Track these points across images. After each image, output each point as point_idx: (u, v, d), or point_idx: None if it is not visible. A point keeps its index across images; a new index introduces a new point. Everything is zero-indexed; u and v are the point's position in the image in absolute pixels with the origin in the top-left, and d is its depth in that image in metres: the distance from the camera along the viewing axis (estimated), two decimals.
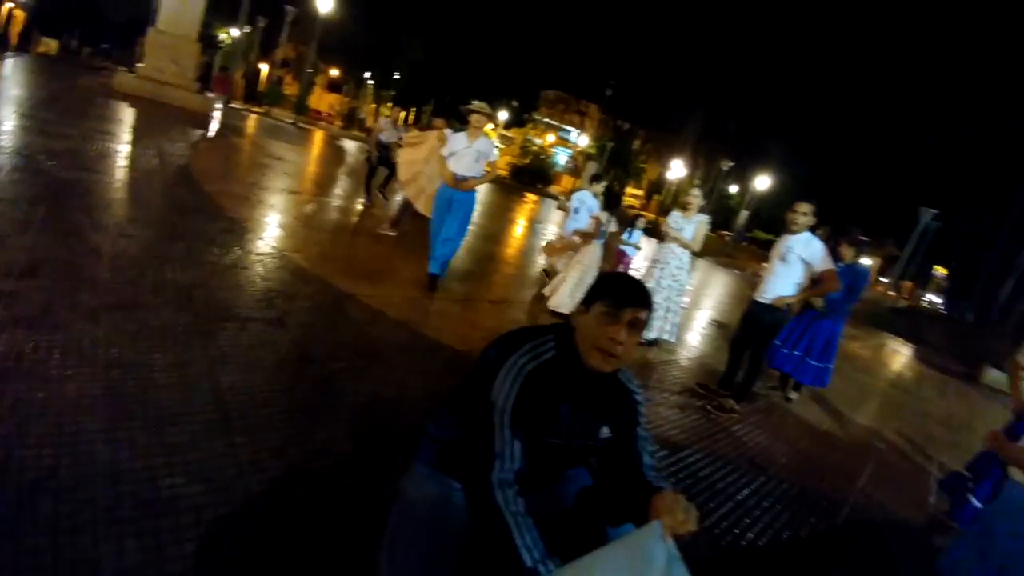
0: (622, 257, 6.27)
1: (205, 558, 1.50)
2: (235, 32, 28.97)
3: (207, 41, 24.53)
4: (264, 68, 34.42)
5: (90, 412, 1.90)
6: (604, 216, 5.20)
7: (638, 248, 6.28)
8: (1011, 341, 17.47)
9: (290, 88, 34.30)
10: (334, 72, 39.83)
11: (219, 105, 15.05)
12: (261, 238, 4.64)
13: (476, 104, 4.60)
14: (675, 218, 5.06)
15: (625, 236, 6.27)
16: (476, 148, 4.63)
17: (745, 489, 2.95)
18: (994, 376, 10.71)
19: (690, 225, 4.95)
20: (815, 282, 3.93)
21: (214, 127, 12.19)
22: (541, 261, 7.06)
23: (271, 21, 27.78)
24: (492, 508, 1.20)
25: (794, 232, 3.85)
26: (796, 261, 3.79)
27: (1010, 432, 2.87)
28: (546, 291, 5.31)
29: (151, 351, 2.39)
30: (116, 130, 7.87)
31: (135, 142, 7.14)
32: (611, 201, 5.26)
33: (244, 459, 1.92)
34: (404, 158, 5.90)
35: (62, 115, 7.35)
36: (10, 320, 2.30)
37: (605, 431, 1.41)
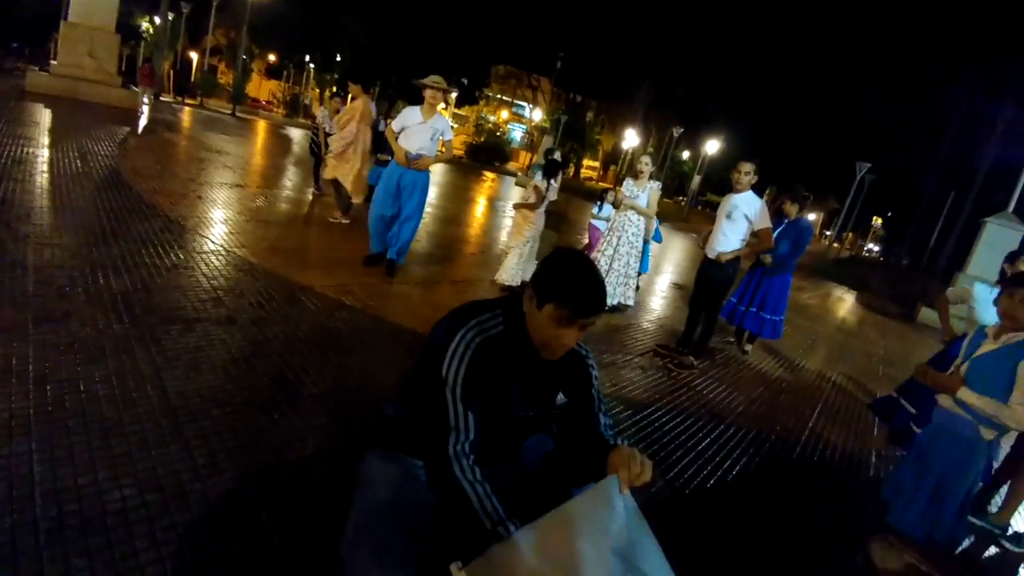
0: (594, 232, 6.29)
1: (165, 569, 1.46)
2: (158, 20, 27.08)
3: (127, 32, 22.85)
4: (194, 57, 32.49)
5: (22, 432, 1.79)
6: (544, 184, 5.17)
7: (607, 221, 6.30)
8: (940, 281, 18.79)
9: (225, 77, 32.59)
10: (271, 57, 37.94)
11: (146, 99, 14.17)
12: (203, 236, 4.43)
13: (431, 79, 4.30)
14: (628, 186, 5.12)
15: (595, 210, 6.31)
16: (432, 125, 4.35)
17: (706, 439, 3.08)
18: (927, 314, 11.49)
19: (643, 193, 5.02)
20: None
21: (143, 123, 11.47)
22: (504, 238, 7.04)
23: (196, 5, 26.11)
24: (450, 480, 1.21)
25: (738, 191, 3.99)
26: (740, 218, 3.94)
27: (938, 362, 3.09)
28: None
29: (87, 362, 2.27)
30: (31, 134, 7.29)
31: (53, 145, 6.64)
32: (551, 169, 5.25)
33: (200, 463, 1.86)
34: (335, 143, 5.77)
35: None
36: None
37: (560, 398, 1.43)
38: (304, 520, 1.74)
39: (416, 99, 4.62)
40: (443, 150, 4.61)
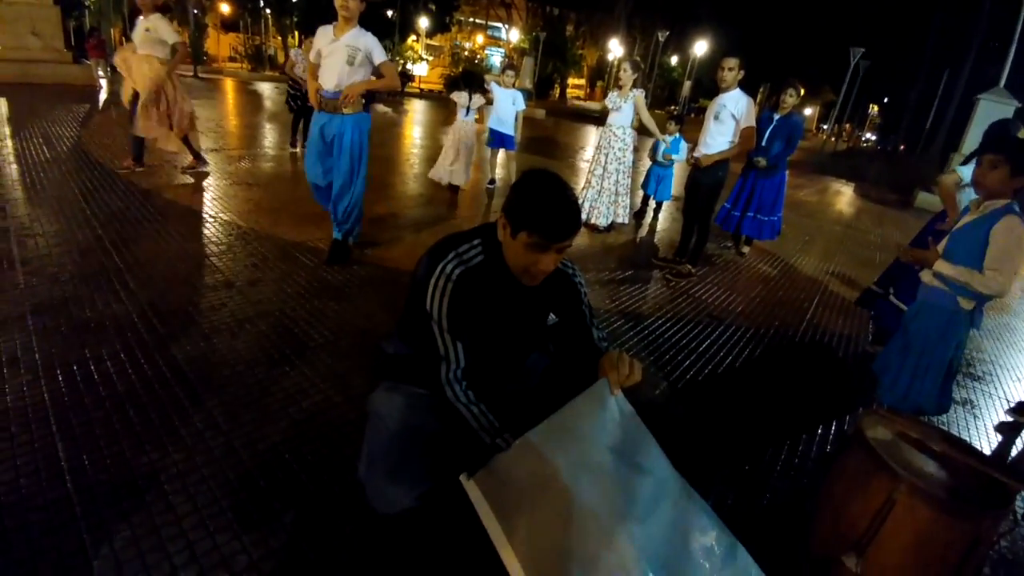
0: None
1: (201, 519, 1.55)
2: None
3: (67, 2, 21.28)
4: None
5: (40, 418, 1.85)
6: (462, 97, 5.90)
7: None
8: (937, 163, 18.45)
9: (181, 37, 30.70)
10: (224, 8, 35.53)
11: (102, 72, 13.46)
12: (186, 205, 4.36)
13: None
14: (612, 99, 4.92)
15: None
16: (345, 43, 3.10)
17: (706, 341, 3.17)
18: (925, 198, 11.38)
19: (626, 103, 4.82)
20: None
21: (103, 97, 10.98)
22: (500, 172, 6.90)
23: None
24: (447, 405, 1.27)
25: (725, 90, 3.84)
26: (728, 118, 3.82)
27: (920, 242, 3.08)
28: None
29: (92, 343, 2.31)
30: None
31: (15, 135, 6.39)
32: (468, 80, 6.11)
33: (220, 419, 1.94)
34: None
35: None
36: None
37: (551, 317, 1.46)
38: (326, 456, 1.83)
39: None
40: (376, 80, 3.34)
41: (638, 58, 9.38)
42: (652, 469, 1.13)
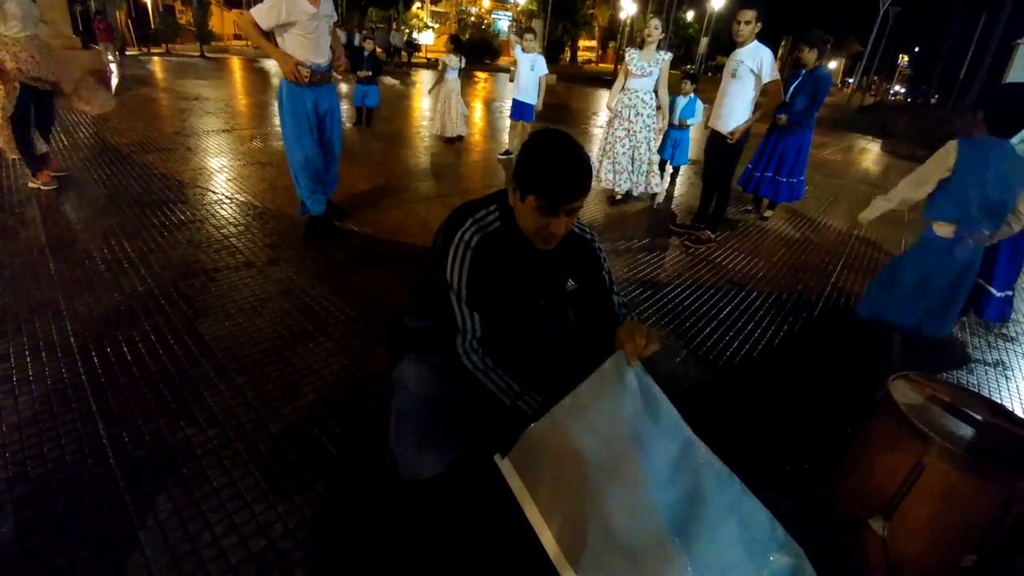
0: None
1: (237, 490, 1.61)
2: None
3: None
4: (148, 1, 30.23)
5: (80, 398, 1.93)
6: (453, 60, 6.77)
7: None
8: (972, 114, 17.58)
9: (184, 16, 30.42)
10: None
11: (111, 56, 13.46)
12: (203, 187, 4.40)
13: None
14: (635, 60, 4.44)
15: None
16: (325, 14, 3.08)
17: (727, 307, 3.13)
18: None
19: (655, 67, 4.40)
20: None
21: (114, 82, 11.00)
22: (506, 141, 6.79)
23: None
24: (466, 374, 1.28)
25: (741, 44, 3.67)
26: (747, 74, 3.66)
27: None
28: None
29: (123, 326, 2.37)
30: None
31: None
32: (455, 44, 6.91)
33: (249, 396, 2.00)
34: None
35: None
36: None
37: (570, 283, 1.44)
38: (353, 429, 1.88)
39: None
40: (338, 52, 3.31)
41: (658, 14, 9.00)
42: (674, 436, 1.14)
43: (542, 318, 1.51)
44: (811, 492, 1.81)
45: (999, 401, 1.72)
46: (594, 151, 6.33)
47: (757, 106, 3.78)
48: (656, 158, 4.91)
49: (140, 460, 1.68)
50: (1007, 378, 2.80)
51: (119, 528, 1.46)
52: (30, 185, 4.06)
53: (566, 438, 1.13)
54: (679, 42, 38.68)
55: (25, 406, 1.86)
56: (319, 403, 2.00)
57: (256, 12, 2.87)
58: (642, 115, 4.59)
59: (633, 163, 4.75)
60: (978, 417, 1.44)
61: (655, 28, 4.31)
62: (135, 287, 2.71)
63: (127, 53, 19.45)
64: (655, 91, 4.58)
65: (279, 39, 3.03)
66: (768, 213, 5.14)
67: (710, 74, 34.95)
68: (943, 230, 2.23)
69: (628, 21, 32.76)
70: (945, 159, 2.17)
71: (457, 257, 1.25)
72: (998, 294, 3.03)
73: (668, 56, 4.45)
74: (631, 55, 4.52)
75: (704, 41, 28.13)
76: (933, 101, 30.55)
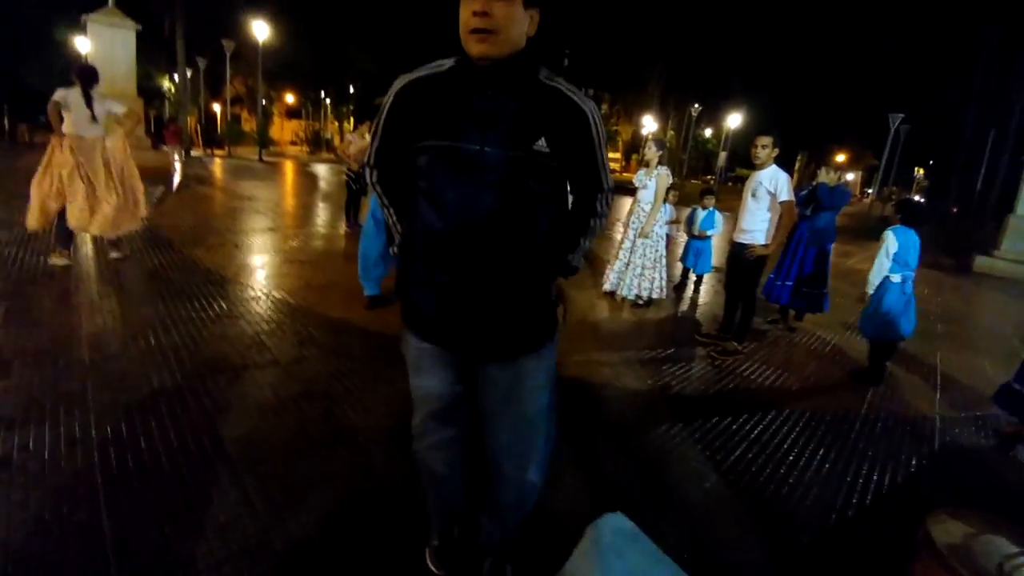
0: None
1: None
2: (177, 78, 28.53)
3: (149, 92, 24.02)
4: (217, 109, 34.01)
5: (91, 497, 1.90)
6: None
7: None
8: (992, 223, 17.63)
9: (248, 123, 33.97)
10: (289, 98, 39.39)
11: (177, 157, 14.91)
12: (242, 283, 4.62)
13: None
14: (640, 177, 5.04)
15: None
16: None
17: (758, 426, 2.98)
18: (983, 262, 10.81)
19: (652, 181, 4.92)
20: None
21: (176, 180, 12.10)
22: None
23: (212, 59, 27.35)
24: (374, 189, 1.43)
25: (760, 167, 3.89)
26: (764, 196, 3.84)
27: None
28: None
29: (145, 421, 2.39)
30: None
31: None
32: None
33: (257, 504, 1.94)
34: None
35: (8, 200, 7.15)
36: None
37: (541, 143, 1.19)
38: (358, 552, 1.77)
39: None
40: None
41: (662, 137, 9.69)
42: None
43: (496, 176, 1.20)
44: None
45: None
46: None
47: (775, 230, 3.86)
48: (652, 264, 5.06)
49: (140, 571, 1.61)
50: None
51: None
52: (51, 261, 4.42)
53: None
54: (699, 155, 40.96)
55: (37, 501, 1.84)
56: (327, 520, 1.91)
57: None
58: (640, 222, 5.00)
59: (627, 267, 5.05)
60: None
61: (649, 149, 4.97)
62: (163, 381, 2.77)
63: (192, 154, 21.47)
64: (671, 202, 5.10)
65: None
66: (796, 324, 5.07)
67: (730, 184, 36.45)
68: (896, 277, 3.67)
69: (648, 136, 35.15)
70: (893, 242, 3.66)
71: (392, 89, 1.27)
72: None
73: (664, 171, 4.94)
74: (639, 174, 5.06)
75: (723, 155, 29.71)
76: (955, 211, 30.88)
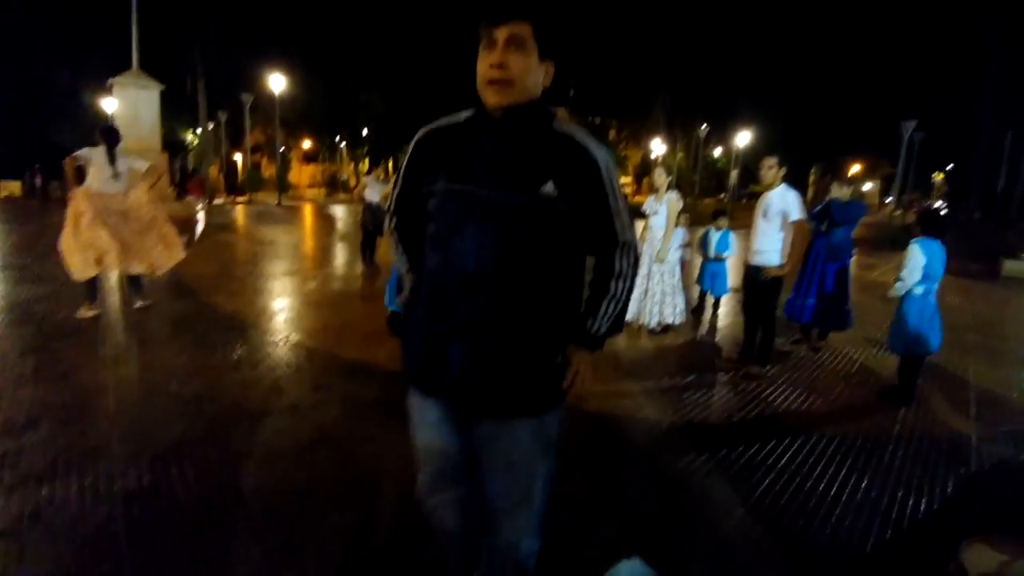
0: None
1: None
2: (200, 131, 29.80)
3: (175, 146, 25.14)
4: (238, 158, 35.34)
5: (114, 550, 1.91)
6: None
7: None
8: (1018, 225, 17.12)
9: (268, 170, 35.15)
10: (306, 144, 40.78)
11: (200, 207, 15.44)
12: (261, 328, 4.71)
13: None
14: (650, 204, 5.05)
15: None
16: None
17: (786, 454, 2.88)
18: (1012, 266, 10.49)
19: (662, 206, 4.92)
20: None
21: (199, 229, 12.50)
22: None
23: (232, 112, 28.59)
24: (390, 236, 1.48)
25: (768, 187, 3.88)
26: (776, 215, 3.81)
27: None
28: None
29: (169, 471, 2.42)
30: None
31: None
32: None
33: (275, 557, 1.93)
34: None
35: (39, 258, 7.43)
36: (19, 477, 2.31)
37: (549, 187, 1.17)
38: None
39: None
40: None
41: (671, 161, 9.78)
42: None
43: (498, 218, 1.18)
44: None
45: None
46: None
47: (790, 249, 3.81)
48: (671, 289, 5.03)
49: None
50: None
51: None
52: (79, 314, 4.54)
53: None
54: (710, 174, 41.01)
55: (62, 556, 1.86)
56: (346, 571, 1.89)
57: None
58: (654, 249, 4.94)
59: (645, 295, 4.97)
60: None
61: (659, 176, 4.97)
62: (185, 431, 2.80)
63: (215, 202, 22.19)
64: (684, 225, 5.08)
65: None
66: (820, 343, 4.94)
67: (744, 200, 36.31)
68: (918, 290, 3.62)
69: (658, 159, 35.42)
70: (920, 255, 3.59)
71: (413, 141, 1.34)
72: None
73: (675, 195, 4.93)
74: (649, 200, 5.06)
75: (734, 173, 29.71)
76: (977, 216, 30.15)
